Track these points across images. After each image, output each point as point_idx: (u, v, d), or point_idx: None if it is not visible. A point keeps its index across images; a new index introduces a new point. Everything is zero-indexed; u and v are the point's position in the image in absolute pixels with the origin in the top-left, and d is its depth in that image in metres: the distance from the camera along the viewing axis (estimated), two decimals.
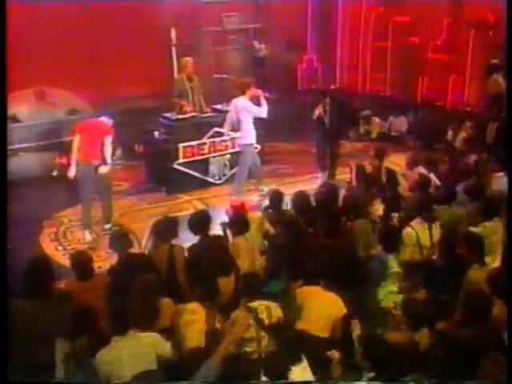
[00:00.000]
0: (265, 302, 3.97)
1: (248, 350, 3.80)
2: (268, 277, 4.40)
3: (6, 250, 3.48)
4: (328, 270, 4.31)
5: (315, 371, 3.49)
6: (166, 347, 3.64)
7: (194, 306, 3.98)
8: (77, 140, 6.52)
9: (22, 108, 8.54)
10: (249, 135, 7.50)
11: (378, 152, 6.53)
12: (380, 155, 6.48)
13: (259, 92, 7.62)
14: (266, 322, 3.87)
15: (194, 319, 3.90)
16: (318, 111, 7.67)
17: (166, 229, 4.91)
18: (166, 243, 4.83)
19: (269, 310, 3.93)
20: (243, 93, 7.43)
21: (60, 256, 6.35)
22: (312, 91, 8.16)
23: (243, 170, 7.60)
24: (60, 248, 6.58)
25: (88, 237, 6.66)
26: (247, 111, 7.39)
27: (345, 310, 4.11)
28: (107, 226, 6.85)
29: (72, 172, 6.49)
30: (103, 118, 6.69)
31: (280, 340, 3.63)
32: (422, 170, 6.32)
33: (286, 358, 3.39)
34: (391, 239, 4.76)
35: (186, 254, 4.88)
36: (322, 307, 4.11)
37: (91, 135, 6.55)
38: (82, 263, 4.44)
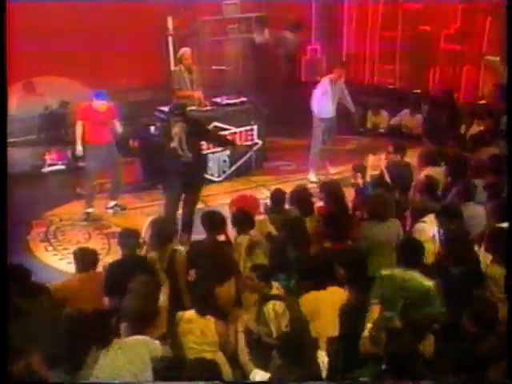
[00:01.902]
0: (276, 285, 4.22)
1: None
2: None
3: (5, 249, 3.52)
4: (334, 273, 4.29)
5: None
6: (156, 348, 3.62)
7: (191, 314, 3.97)
8: (80, 125, 6.93)
9: (11, 101, 8.49)
10: (322, 110, 8.09)
11: (398, 147, 6.52)
12: (401, 150, 6.49)
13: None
14: None
15: (191, 328, 3.89)
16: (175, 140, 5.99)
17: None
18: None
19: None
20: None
21: (50, 257, 6.31)
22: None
23: (316, 143, 8.23)
24: (50, 249, 6.54)
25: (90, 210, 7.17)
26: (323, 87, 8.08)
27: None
28: (112, 204, 7.23)
29: (79, 151, 7.00)
30: (97, 101, 6.87)
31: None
32: (430, 170, 6.24)
33: None
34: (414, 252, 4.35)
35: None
36: (334, 307, 4.11)
37: (97, 119, 6.89)
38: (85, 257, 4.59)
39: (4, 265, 3.51)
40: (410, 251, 4.22)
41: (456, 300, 4.05)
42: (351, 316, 4.03)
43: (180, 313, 4.05)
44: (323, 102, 8.07)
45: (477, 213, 5.25)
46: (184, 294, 4.58)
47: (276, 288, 4.25)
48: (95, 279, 4.53)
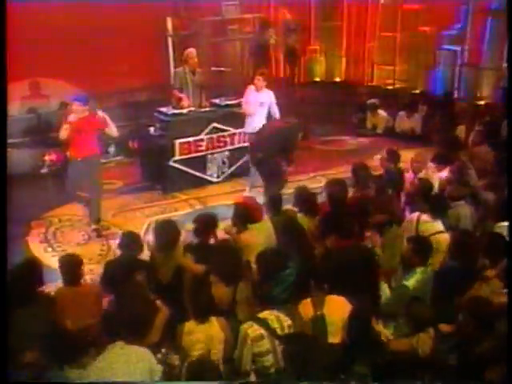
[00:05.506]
0: (274, 312, 3.92)
1: (266, 364, 3.78)
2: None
3: (5, 249, 3.53)
4: (338, 273, 4.28)
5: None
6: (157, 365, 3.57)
7: (190, 325, 3.94)
8: (65, 129, 6.37)
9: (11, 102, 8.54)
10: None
11: (391, 154, 6.55)
12: (394, 158, 6.52)
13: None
14: (279, 332, 3.84)
15: (192, 339, 3.87)
16: None
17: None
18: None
19: (279, 319, 3.89)
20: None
21: (49, 258, 6.34)
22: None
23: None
24: (49, 250, 6.56)
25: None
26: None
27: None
28: (92, 227, 6.80)
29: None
30: (76, 103, 6.37)
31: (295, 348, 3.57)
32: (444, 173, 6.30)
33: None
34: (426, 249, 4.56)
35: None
36: (341, 314, 4.06)
37: (84, 130, 6.42)
38: (71, 267, 4.43)
39: (4, 265, 3.54)
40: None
41: (449, 295, 4.12)
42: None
43: (179, 326, 3.95)
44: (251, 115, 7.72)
45: (464, 213, 5.36)
46: (187, 302, 4.42)
47: (269, 313, 3.94)
48: (86, 293, 4.40)
